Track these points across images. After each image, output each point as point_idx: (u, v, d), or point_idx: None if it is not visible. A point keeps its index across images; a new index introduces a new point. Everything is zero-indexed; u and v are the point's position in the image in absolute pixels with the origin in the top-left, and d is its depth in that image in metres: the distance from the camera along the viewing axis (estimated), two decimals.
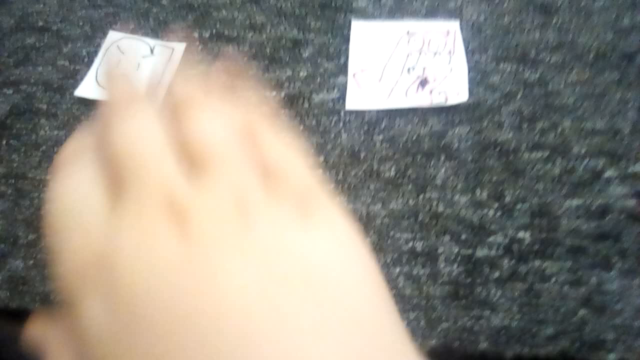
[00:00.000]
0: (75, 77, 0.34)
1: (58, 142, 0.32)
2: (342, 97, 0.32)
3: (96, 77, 0.34)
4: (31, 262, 0.29)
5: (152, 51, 0.34)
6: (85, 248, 0.19)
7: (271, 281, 0.17)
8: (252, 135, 0.21)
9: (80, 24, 0.37)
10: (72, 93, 0.34)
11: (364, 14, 0.35)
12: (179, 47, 0.34)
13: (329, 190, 0.20)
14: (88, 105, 0.33)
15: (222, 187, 0.19)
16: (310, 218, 0.19)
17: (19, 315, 0.29)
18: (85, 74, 0.34)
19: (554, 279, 0.25)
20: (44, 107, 0.33)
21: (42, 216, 0.21)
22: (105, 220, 0.19)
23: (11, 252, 0.29)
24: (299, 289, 0.17)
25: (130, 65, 0.33)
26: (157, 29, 0.36)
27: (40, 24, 0.37)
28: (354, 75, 0.32)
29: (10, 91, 0.34)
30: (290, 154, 0.21)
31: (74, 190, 0.20)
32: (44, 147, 0.32)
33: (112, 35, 0.36)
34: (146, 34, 0.35)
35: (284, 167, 0.20)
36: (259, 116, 0.22)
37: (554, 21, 0.33)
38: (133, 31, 0.36)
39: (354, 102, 0.31)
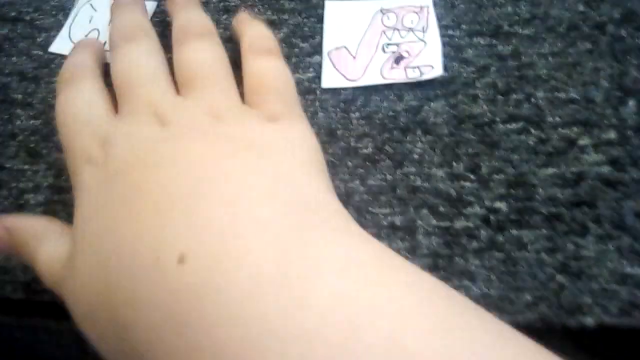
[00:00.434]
0: (50, 66, 0.34)
1: (35, 132, 0.32)
2: (318, 77, 0.32)
3: (69, 34, 0.34)
4: None
5: None
6: (90, 136, 0.25)
7: (225, 154, 0.22)
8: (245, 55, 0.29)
9: (54, 12, 0.36)
10: (47, 82, 0.33)
11: None
12: (150, 5, 0.35)
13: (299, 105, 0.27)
14: None
15: (201, 102, 0.25)
16: (273, 123, 0.24)
17: (2, 306, 0.29)
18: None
19: (530, 247, 0.25)
20: (19, 97, 0.33)
21: (53, 117, 0.27)
22: (106, 121, 0.25)
23: None
24: (247, 159, 0.22)
25: (104, 20, 0.35)
26: None
27: (13, 14, 0.37)
28: (328, 53, 0.32)
29: None
30: (272, 72, 0.28)
31: (81, 98, 0.27)
32: (20, 137, 0.32)
33: None
34: None
35: (264, 88, 0.27)
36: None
37: None
38: None
39: (329, 80, 0.31)
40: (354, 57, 0.32)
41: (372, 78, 0.31)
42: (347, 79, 0.31)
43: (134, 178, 0.22)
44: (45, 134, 0.32)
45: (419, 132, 0.29)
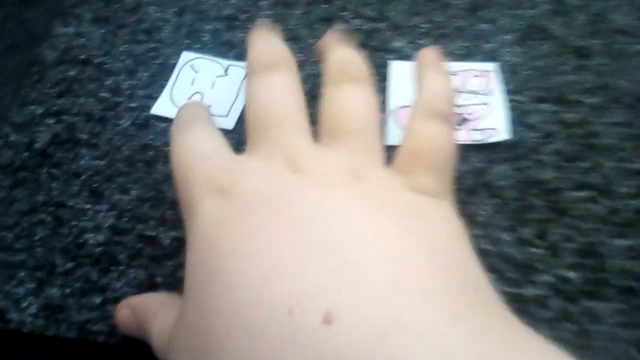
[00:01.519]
0: (117, 109, 0.35)
1: (98, 172, 0.32)
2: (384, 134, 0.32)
3: (170, 96, 0.34)
4: (68, 290, 0.29)
5: (225, 71, 0.35)
6: (213, 168, 0.22)
7: (370, 211, 0.19)
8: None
9: (122, 57, 0.37)
10: (113, 124, 0.34)
11: (400, 54, 0.35)
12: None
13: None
14: (129, 136, 0.33)
15: (344, 156, 0.22)
16: (421, 195, 0.21)
17: (54, 345, 0.28)
18: (122, 104, 0.35)
19: (604, 320, 0.24)
20: (85, 137, 0.34)
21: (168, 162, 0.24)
22: (230, 156, 0.23)
23: (48, 280, 0.29)
24: (398, 220, 0.19)
25: (205, 83, 0.34)
26: None
27: (83, 57, 0.38)
28: (392, 112, 0.32)
29: (52, 121, 0.35)
30: (437, 138, 0.24)
31: (200, 137, 0.24)
32: (84, 177, 0.32)
33: (185, 56, 0.36)
34: (219, 55, 0.37)
35: (421, 157, 0.23)
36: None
37: (590, 64, 0.34)
38: (205, 52, 0.37)
39: (393, 138, 0.31)
40: None
41: None
42: None
43: (262, 217, 0.19)
44: (109, 175, 0.32)
45: (484, 194, 0.29)
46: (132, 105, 0.35)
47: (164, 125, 0.34)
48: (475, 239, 0.27)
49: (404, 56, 0.35)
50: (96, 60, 0.37)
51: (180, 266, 0.28)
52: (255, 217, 0.19)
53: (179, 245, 0.29)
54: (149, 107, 0.34)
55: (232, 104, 0.33)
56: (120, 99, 0.35)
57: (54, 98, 0.36)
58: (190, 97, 0.34)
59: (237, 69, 0.35)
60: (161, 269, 0.29)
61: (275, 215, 0.19)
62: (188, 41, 0.37)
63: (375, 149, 0.23)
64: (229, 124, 0.32)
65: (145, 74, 0.36)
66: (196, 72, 0.35)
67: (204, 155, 0.23)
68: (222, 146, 0.24)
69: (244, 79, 0.34)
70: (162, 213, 0.30)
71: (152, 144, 0.33)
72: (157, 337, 0.23)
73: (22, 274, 0.29)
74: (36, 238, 0.30)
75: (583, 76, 0.33)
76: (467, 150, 0.31)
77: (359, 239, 0.18)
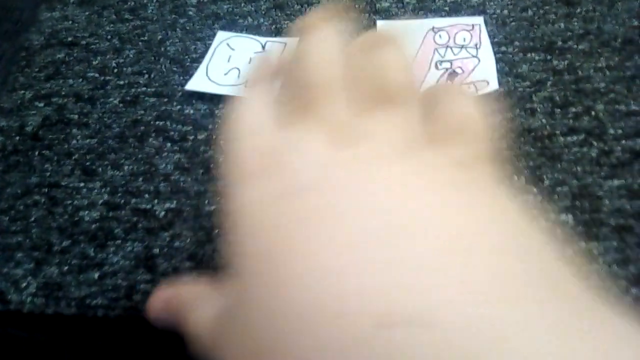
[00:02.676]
0: (105, 88, 0.35)
1: (90, 151, 0.32)
2: None
3: (206, 72, 0.34)
4: (66, 268, 0.29)
5: (263, 47, 0.34)
6: (257, 149, 0.20)
7: (434, 186, 0.17)
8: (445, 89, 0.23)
9: (109, 37, 0.37)
10: (102, 103, 0.34)
11: (387, 14, 0.35)
12: (292, 41, 0.35)
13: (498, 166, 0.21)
14: (119, 113, 0.33)
15: (391, 122, 0.20)
16: (468, 184, 0.19)
17: (55, 322, 0.29)
18: (110, 83, 0.35)
19: (601, 260, 0.24)
20: (75, 117, 0.34)
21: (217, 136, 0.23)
22: (276, 134, 0.21)
23: (46, 259, 0.29)
24: (458, 196, 0.17)
25: (242, 59, 0.34)
26: (185, 38, 0.36)
27: (69, 39, 0.38)
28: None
29: (42, 104, 0.35)
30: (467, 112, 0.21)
31: (250, 111, 0.22)
32: (76, 156, 0.32)
33: (221, 35, 0.36)
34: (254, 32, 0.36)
35: (462, 125, 0.21)
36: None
37: (577, 11, 0.33)
38: (241, 30, 0.36)
39: None
40: None
41: None
42: None
43: (313, 203, 0.18)
44: (101, 153, 0.32)
45: None
46: (121, 83, 0.35)
47: (153, 100, 0.34)
48: None
49: (391, 16, 0.35)
50: (83, 42, 0.37)
51: (176, 236, 0.28)
52: (303, 204, 0.18)
53: (174, 217, 0.29)
54: (138, 84, 0.34)
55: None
56: (109, 78, 0.35)
57: (43, 81, 0.36)
58: (228, 73, 0.34)
59: (275, 44, 0.35)
60: (157, 240, 0.29)
61: (324, 202, 0.17)
62: (174, 16, 0.37)
63: (419, 118, 0.21)
64: None
65: (132, 51, 0.36)
66: (233, 49, 0.35)
67: (252, 134, 0.22)
68: (271, 120, 0.22)
69: (282, 53, 0.34)
70: (155, 186, 0.30)
71: (142, 119, 0.33)
72: (196, 328, 0.21)
73: (19, 255, 0.29)
74: (32, 219, 0.30)
75: (571, 24, 0.33)
76: None
77: (424, 223, 0.16)
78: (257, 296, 0.17)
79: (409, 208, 0.16)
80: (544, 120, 0.29)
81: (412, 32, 0.34)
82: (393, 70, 0.22)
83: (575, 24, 0.33)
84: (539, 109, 0.29)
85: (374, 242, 0.16)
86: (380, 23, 0.34)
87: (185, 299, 0.23)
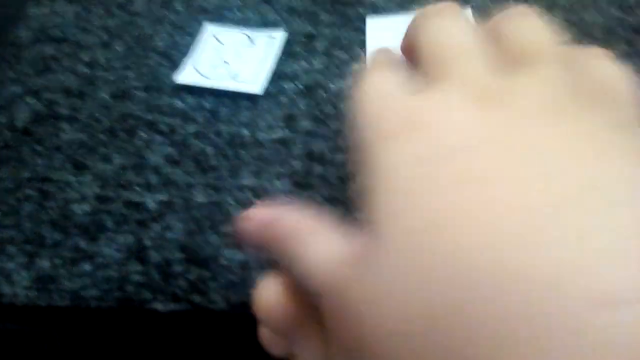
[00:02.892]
0: (95, 82, 0.35)
1: (80, 145, 0.32)
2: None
3: (195, 65, 0.34)
4: (58, 260, 0.29)
5: (252, 41, 0.35)
6: (396, 110, 0.19)
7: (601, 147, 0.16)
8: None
9: (98, 32, 0.37)
10: (92, 97, 0.34)
11: (374, 8, 0.36)
12: (279, 35, 0.35)
13: None
14: (108, 107, 0.34)
15: (534, 86, 0.19)
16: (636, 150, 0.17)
17: (47, 315, 0.29)
18: (104, 78, 0.35)
19: None
20: (66, 112, 0.34)
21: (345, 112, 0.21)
22: (413, 97, 0.20)
23: (38, 252, 0.29)
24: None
25: (231, 52, 0.34)
26: (173, 32, 0.36)
27: (59, 34, 0.38)
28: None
29: (32, 100, 0.35)
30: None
31: (385, 78, 0.21)
32: (66, 150, 0.32)
33: (209, 28, 0.36)
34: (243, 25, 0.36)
35: (606, 83, 0.19)
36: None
37: (559, 1, 0.34)
38: (229, 24, 0.37)
39: None
40: None
41: None
42: None
43: (475, 165, 0.17)
44: (91, 146, 0.32)
45: None
46: (110, 77, 0.35)
47: (142, 94, 0.34)
48: None
49: (378, 9, 0.35)
50: (72, 37, 0.38)
51: (167, 228, 0.29)
52: (452, 168, 0.17)
53: (165, 208, 0.29)
54: (127, 78, 0.35)
55: (260, 71, 0.33)
56: (98, 73, 0.35)
57: (33, 77, 0.36)
58: (216, 66, 0.34)
59: (264, 38, 0.35)
60: (148, 232, 0.29)
61: (475, 165, 0.17)
62: (162, 11, 0.38)
63: (563, 80, 0.20)
64: (258, 88, 0.32)
65: (121, 46, 0.36)
66: (221, 43, 0.35)
67: (389, 97, 0.21)
68: (407, 86, 0.21)
69: (270, 46, 0.34)
70: (146, 178, 0.31)
71: (131, 113, 0.33)
72: (315, 264, 0.19)
73: (12, 249, 0.30)
74: (24, 213, 0.31)
75: (552, 14, 0.33)
76: None
77: (612, 193, 0.15)
78: (419, 260, 0.16)
79: (589, 175, 0.15)
80: None
81: (401, 27, 0.34)
82: (533, 32, 0.21)
83: (557, 14, 0.33)
84: None
85: (565, 209, 0.15)
86: (369, 21, 0.35)
87: (294, 230, 0.21)
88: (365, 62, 0.24)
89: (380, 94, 0.21)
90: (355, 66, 0.24)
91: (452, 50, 0.21)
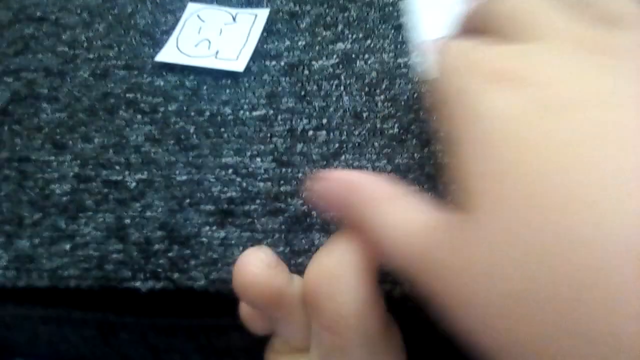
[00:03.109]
0: (75, 62, 0.34)
1: (60, 124, 0.32)
2: (341, 63, 0.32)
3: (177, 44, 0.34)
4: (37, 240, 0.29)
5: (234, 19, 0.34)
6: (493, 58, 0.18)
7: None
8: None
9: (78, 11, 0.37)
10: (72, 77, 0.34)
11: None
12: (262, 13, 0.34)
13: None
14: (89, 86, 0.33)
15: (626, 42, 0.18)
16: None
17: (26, 295, 0.28)
18: (84, 57, 0.35)
19: None
20: (45, 91, 0.33)
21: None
22: (506, 46, 0.19)
23: (17, 232, 0.29)
24: None
25: (213, 30, 0.34)
26: (154, 11, 0.36)
27: (38, 14, 0.37)
28: (430, 45, 0.32)
29: (11, 79, 0.34)
30: None
31: (465, 42, 0.20)
32: (46, 130, 0.32)
33: (191, 7, 0.36)
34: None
35: None
36: None
37: None
38: (211, 2, 0.36)
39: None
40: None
41: None
42: None
43: (595, 120, 0.15)
44: (71, 126, 0.32)
45: None
46: (90, 56, 0.34)
47: (123, 72, 0.33)
48: (437, 154, 0.28)
49: None
50: (52, 17, 0.37)
51: (147, 207, 0.28)
52: (586, 118, 0.16)
53: (145, 187, 0.29)
54: (107, 57, 0.34)
55: (242, 48, 0.32)
56: (78, 52, 0.35)
57: (12, 57, 0.35)
58: (198, 44, 0.33)
59: (246, 15, 0.34)
60: (129, 210, 0.29)
61: (602, 115, 0.15)
62: None
63: None
64: (240, 66, 0.32)
65: (102, 25, 0.36)
66: (203, 21, 0.34)
67: (481, 46, 0.20)
68: (495, 41, 0.20)
69: (252, 24, 0.34)
70: (126, 157, 0.30)
71: (112, 92, 0.33)
72: (396, 233, 0.19)
73: None
74: (2, 194, 0.30)
75: None
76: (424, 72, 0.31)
77: None
78: (526, 223, 0.15)
79: None
80: None
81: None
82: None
83: None
84: None
85: None
86: None
87: (374, 195, 0.20)
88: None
89: (471, 48, 0.20)
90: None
91: (540, 10, 0.19)
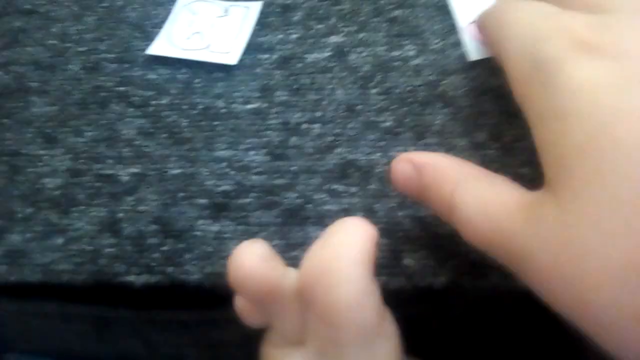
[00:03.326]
0: (65, 55, 0.34)
1: (51, 118, 0.32)
2: (334, 56, 0.32)
3: (168, 37, 0.33)
4: (29, 235, 0.28)
5: (226, 11, 0.34)
6: (576, 25, 0.18)
7: None
8: None
9: (68, 4, 0.36)
10: (62, 70, 0.33)
11: None
12: (255, 5, 0.34)
13: None
14: (79, 80, 0.33)
15: None
16: None
17: (19, 291, 0.28)
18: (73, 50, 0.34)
19: None
20: (35, 85, 0.33)
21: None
22: (594, 17, 0.18)
23: (8, 227, 0.29)
24: None
25: (205, 23, 0.33)
26: (145, 3, 0.36)
27: (28, 7, 0.37)
28: (464, 29, 0.32)
29: (0, 72, 0.34)
30: None
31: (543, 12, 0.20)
32: (37, 124, 0.32)
33: (182, 0, 0.35)
34: None
35: None
36: None
37: None
38: None
39: (477, 53, 0.31)
40: None
41: None
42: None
43: None
44: (62, 120, 0.32)
45: (439, 105, 0.29)
46: (81, 49, 0.34)
47: (114, 66, 0.33)
48: (432, 147, 0.28)
49: None
50: (41, 9, 0.37)
51: (141, 201, 0.28)
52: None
53: (138, 181, 0.29)
54: (98, 50, 0.34)
55: (234, 41, 0.32)
56: (69, 45, 0.35)
57: (1, 50, 0.35)
58: (190, 37, 0.33)
59: (238, 8, 0.34)
60: (122, 205, 0.28)
61: None
62: None
63: None
64: (232, 59, 0.32)
65: (92, 18, 0.36)
66: (194, 14, 0.34)
67: (566, 12, 0.19)
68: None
69: (245, 17, 0.33)
70: (118, 151, 0.30)
71: (103, 85, 0.32)
72: (476, 216, 0.19)
73: None
74: None
75: None
76: (418, 66, 0.31)
77: None
78: (622, 198, 0.15)
79: None
80: (504, 79, 0.29)
81: None
82: None
83: None
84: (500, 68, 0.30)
85: None
86: None
87: (447, 175, 0.20)
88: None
89: (554, 14, 0.19)
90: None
91: None
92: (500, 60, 0.20)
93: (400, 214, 0.26)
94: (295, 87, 0.31)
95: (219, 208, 0.27)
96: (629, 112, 0.15)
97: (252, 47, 0.32)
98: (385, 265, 0.25)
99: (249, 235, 0.27)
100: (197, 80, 0.32)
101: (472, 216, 0.19)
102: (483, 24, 0.23)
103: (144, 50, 0.33)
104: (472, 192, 0.19)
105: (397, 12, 0.33)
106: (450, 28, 0.32)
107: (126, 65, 0.33)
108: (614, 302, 0.15)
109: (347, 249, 0.20)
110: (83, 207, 0.29)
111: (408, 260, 0.25)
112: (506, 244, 0.18)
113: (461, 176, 0.20)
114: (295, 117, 0.30)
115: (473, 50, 0.31)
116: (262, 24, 0.33)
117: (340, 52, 0.32)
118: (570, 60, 0.17)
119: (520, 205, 0.18)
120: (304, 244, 0.26)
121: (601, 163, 0.15)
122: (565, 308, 0.16)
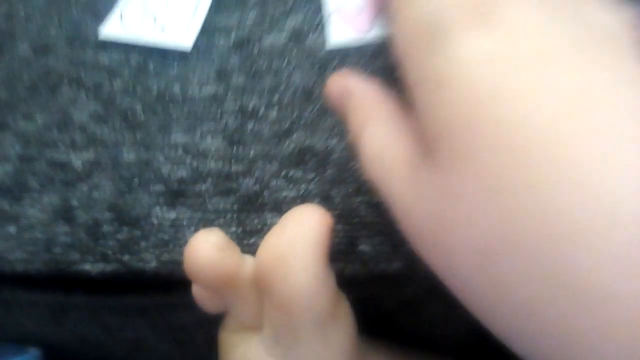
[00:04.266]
0: (14, 36, 0.33)
1: (1, 103, 0.31)
2: (293, 39, 0.31)
3: (121, 19, 0.32)
4: None
5: None
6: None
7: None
8: None
9: None
10: (11, 52, 0.32)
11: None
12: None
13: None
14: (29, 63, 0.32)
15: None
16: None
17: None
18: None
19: None
20: None
21: None
22: None
23: None
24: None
25: (159, 5, 0.32)
26: None
27: None
28: (336, 11, 0.32)
29: None
30: None
31: None
32: None
33: None
34: None
35: None
36: None
37: None
38: None
39: (342, 35, 0.31)
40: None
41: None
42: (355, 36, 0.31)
43: (549, 79, 0.15)
44: (12, 104, 0.31)
45: (397, 90, 0.29)
46: (31, 31, 0.33)
47: (65, 48, 0.32)
48: None
49: None
50: None
51: (95, 187, 0.28)
52: (549, 69, 0.15)
53: (92, 167, 0.28)
54: (48, 32, 0.33)
55: (189, 23, 0.31)
56: (18, 26, 0.33)
57: None
58: (143, 19, 0.32)
59: None
60: (75, 192, 0.28)
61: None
62: None
63: None
64: (187, 42, 0.31)
65: None
66: None
67: None
68: None
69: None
70: (71, 137, 0.29)
71: (54, 68, 0.32)
72: (369, 153, 0.20)
73: None
74: None
75: None
76: (377, 50, 0.31)
77: None
78: (481, 173, 0.15)
79: None
80: None
81: None
82: None
83: None
84: None
85: None
86: None
87: (361, 109, 0.21)
88: None
89: None
90: None
91: None
92: (394, 28, 0.20)
93: (356, 200, 0.26)
94: (252, 71, 0.30)
95: (175, 195, 0.27)
96: (513, 91, 0.15)
97: (208, 30, 0.32)
98: (341, 251, 0.25)
99: (206, 222, 0.27)
100: (151, 64, 0.31)
101: (369, 158, 0.20)
102: None
103: (96, 32, 0.32)
104: (376, 134, 0.20)
105: None
106: None
107: (78, 48, 0.32)
108: (474, 270, 0.16)
109: (302, 237, 0.20)
110: (35, 194, 0.28)
111: (363, 247, 0.25)
112: (392, 194, 0.19)
113: (373, 113, 0.20)
114: (252, 102, 0.29)
115: (342, 32, 0.31)
116: (218, 6, 0.33)
117: (297, 36, 0.32)
118: (465, 29, 0.17)
119: (408, 163, 0.18)
120: (261, 232, 0.26)
121: (480, 138, 0.15)
122: (434, 268, 0.18)
